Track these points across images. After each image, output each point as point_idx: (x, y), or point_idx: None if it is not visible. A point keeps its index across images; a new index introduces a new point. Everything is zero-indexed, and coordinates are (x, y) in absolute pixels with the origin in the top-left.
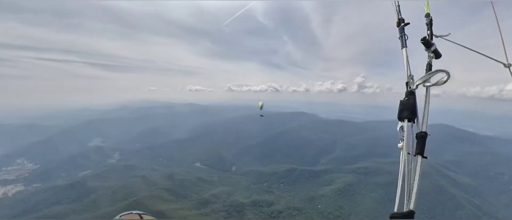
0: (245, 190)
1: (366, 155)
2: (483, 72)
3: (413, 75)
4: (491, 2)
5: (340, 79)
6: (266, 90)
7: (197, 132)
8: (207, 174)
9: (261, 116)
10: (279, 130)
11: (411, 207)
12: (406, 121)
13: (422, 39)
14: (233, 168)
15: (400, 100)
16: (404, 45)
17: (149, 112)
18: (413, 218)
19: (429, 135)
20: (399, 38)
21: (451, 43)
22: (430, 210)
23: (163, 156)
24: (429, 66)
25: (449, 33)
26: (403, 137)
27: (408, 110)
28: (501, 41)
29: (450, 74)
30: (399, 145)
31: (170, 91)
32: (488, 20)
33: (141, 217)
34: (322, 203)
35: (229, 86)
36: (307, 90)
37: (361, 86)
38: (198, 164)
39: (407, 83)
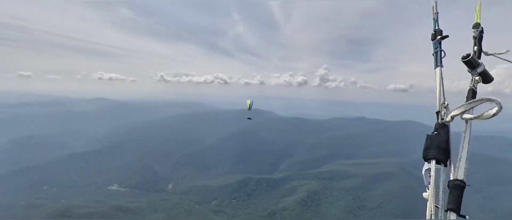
0: (186, 215)
1: (330, 157)
2: (455, 66)
3: (447, 104)
4: None
5: (301, 71)
6: (213, 82)
7: (112, 139)
8: (130, 199)
9: (249, 118)
10: (229, 131)
11: None
12: (433, 162)
13: (464, 57)
14: (170, 186)
15: (427, 135)
16: (438, 63)
17: (20, 111)
18: None
19: (469, 185)
20: (433, 54)
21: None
22: (403, 215)
23: (50, 182)
24: (471, 93)
25: (507, 51)
26: (430, 183)
27: (437, 148)
28: None
29: (502, 105)
30: (425, 194)
31: (61, 79)
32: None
33: None
34: (284, 217)
35: (161, 76)
36: (262, 83)
37: (323, 79)
38: (115, 187)
39: (438, 113)
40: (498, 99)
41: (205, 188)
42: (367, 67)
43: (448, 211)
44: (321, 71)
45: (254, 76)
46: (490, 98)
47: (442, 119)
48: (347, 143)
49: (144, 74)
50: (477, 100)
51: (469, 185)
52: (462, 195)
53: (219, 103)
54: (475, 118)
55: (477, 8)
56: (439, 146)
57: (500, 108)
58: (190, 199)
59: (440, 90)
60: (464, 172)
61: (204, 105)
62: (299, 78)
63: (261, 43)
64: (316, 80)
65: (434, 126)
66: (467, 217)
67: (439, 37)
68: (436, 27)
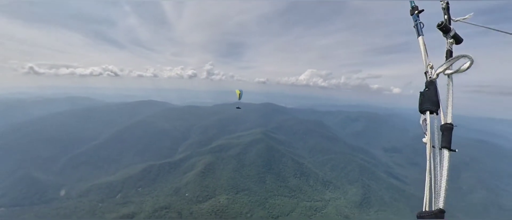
0: (90, 215)
1: (218, 135)
2: (289, 67)
3: (432, 64)
4: None
5: (191, 65)
6: (101, 74)
7: None
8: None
9: (238, 107)
10: (126, 124)
11: (441, 205)
12: (428, 113)
13: (438, 25)
14: (62, 192)
15: (420, 92)
16: (420, 33)
17: None
18: (443, 217)
19: (455, 126)
20: (414, 26)
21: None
22: (267, 164)
23: None
24: (449, 53)
25: (471, 14)
26: (427, 130)
27: (429, 101)
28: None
29: (473, 59)
30: (424, 139)
31: None
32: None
33: None
34: (188, 190)
35: (31, 67)
36: (155, 75)
37: (209, 73)
38: None
39: (426, 73)
40: (470, 55)
41: (106, 185)
42: (241, 65)
43: (442, 149)
44: (207, 66)
45: (147, 69)
46: (464, 55)
47: (429, 77)
48: (229, 122)
49: (6, 65)
50: (454, 58)
51: (456, 125)
52: (451, 134)
53: (110, 97)
54: (455, 72)
55: None
56: (430, 99)
57: (472, 62)
58: (90, 199)
59: (424, 55)
60: (451, 117)
61: (93, 100)
62: (190, 72)
63: (154, 38)
64: (204, 74)
65: (424, 84)
66: (456, 150)
67: (416, 11)
68: (413, 4)
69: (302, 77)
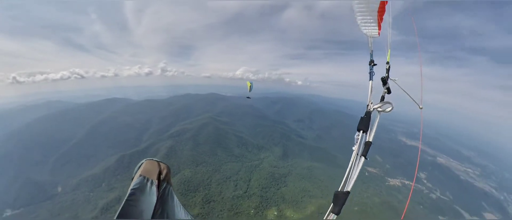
0: (87, 204)
1: (174, 122)
2: (228, 65)
3: (372, 101)
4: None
5: (147, 64)
6: (69, 77)
7: None
8: (32, 217)
9: (248, 97)
10: (94, 121)
11: (349, 189)
12: (361, 131)
13: (381, 78)
14: (59, 189)
15: (361, 117)
16: (371, 78)
17: None
18: (348, 195)
19: (373, 143)
20: (368, 73)
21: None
22: (216, 141)
23: None
24: (382, 98)
25: (397, 79)
26: (357, 142)
27: (364, 124)
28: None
29: (394, 106)
30: (353, 147)
31: None
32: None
33: (159, 164)
34: None
35: (14, 77)
36: (116, 74)
37: (163, 70)
38: (8, 213)
39: (367, 105)
40: (393, 103)
41: (91, 177)
42: (190, 63)
43: (362, 156)
44: (161, 64)
45: (109, 70)
46: (389, 102)
47: (368, 109)
48: (183, 111)
49: None
50: (384, 102)
51: (373, 143)
52: (369, 149)
53: (79, 98)
54: (382, 111)
55: (388, 53)
56: (365, 123)
57: (392, 107)
58: (82, 191)
59: (370, 94)
60: (372, 137)
61: (64, 102)
62: (146, 70)
63: (115, 41)
64: (159, 71)
65: (365, 113)
66: (368, 159)
67: (372, 64)
68: (371, 58)
69: (238, 72)
